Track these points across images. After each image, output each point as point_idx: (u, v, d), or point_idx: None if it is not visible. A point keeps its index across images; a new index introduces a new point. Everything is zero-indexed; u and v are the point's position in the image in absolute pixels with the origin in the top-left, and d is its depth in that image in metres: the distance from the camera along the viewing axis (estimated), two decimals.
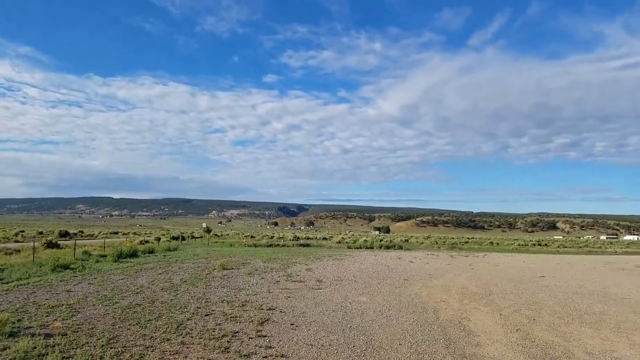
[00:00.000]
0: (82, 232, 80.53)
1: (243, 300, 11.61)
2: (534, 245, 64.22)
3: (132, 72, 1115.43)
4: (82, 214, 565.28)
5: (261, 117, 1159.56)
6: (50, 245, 31.90)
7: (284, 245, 42.87)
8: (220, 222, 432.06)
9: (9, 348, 6.69)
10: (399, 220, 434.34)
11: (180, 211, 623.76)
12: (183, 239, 53.79)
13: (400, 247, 42.88)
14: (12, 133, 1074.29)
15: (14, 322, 8.31)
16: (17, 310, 9.67)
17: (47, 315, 9.22)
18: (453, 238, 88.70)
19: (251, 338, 7.90)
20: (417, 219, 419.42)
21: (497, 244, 65.29)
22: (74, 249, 25.83)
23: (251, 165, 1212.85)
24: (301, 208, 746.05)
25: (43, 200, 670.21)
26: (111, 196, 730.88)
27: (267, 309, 10.50)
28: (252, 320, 9.21)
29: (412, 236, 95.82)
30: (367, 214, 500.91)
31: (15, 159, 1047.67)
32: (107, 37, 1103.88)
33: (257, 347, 7.34)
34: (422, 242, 58.09)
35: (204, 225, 71.39)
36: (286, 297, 12.29)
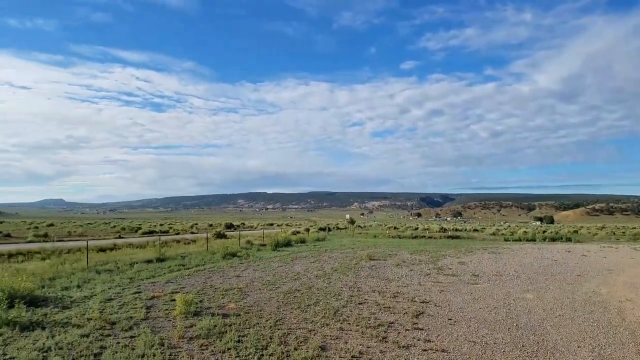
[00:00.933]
0: (243, 224, 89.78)
1: (394, 292, 11.63)
2: None
3: (278, 75, 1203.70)
4: (242, 208, 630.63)
5: (400, 105, 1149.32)
6: (219, 236, 36.33)
7: (430, 237, 41.79)
8: (362, 214, 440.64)
9: (195, 325, 7.78)
10: (564, 209, 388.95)
11: (324, 204, 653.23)
12: (329, 230, 56.21)
13: (569, 239, 38.22)
14: (184, 140, 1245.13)
15: (197, 303, 9.60)
16: (198, 292, 11.19)
17: (222, 298, 10.47)
18: (635, 228, 76.13)
19: (407, 330, 7.86)
20: (588, 206, 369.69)
21: None
22: (239, 239, 28.95)
23: (391, 156, 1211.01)
24: (446, 198, 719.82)
25: (210, 197, 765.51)
26: (266, 191, 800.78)
27: (421, 302, 10.33)
28: (406, 312, 9.17)
29: (582, 227, 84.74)
30: (525, 203, 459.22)
31: (187, 162, 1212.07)
32: (254, 45, 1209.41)
33: (414, 340, 7.27)
34: (596, 233, 50.91)
35: (348, 216, 73.64)
36: (440, 291, 11.93)
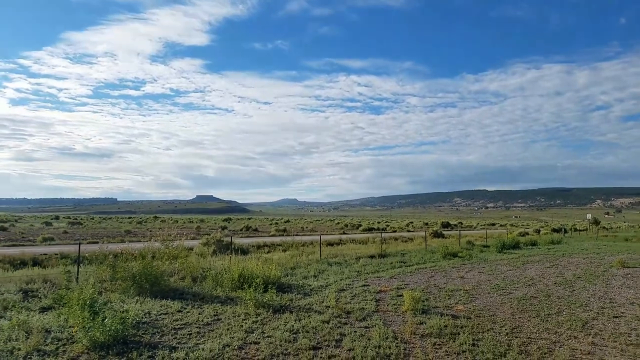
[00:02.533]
0: (461, 223, 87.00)
1: None
2: None
3: (502, 63, 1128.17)
4: (459, 206, 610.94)
5: None
6: (436, 235, 36.02)
7: None
8: (607, 213, 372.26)
9: (424, 323, 7.84)
10: None
11: (557, 201, 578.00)
12: (565, 231, 49.53)
13: None
14: (399, 139, 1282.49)
15: (423, 301, 9.71)
16: (422, 290, 11.29)
17: (448, 298, 10.31)
18: None
19: None
20: None
21: None
22: (459, 238, 28.13)
23: None
24: None
25: (424, 195, 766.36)
26: (486, 189, 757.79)
27: None
28: None
29: None
30: None
31: (401, 161, 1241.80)
32: (478, 35, 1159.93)
33: None
34: None
35: (589, 216, 63.35)
36: None
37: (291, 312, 8.50)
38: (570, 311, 8.95)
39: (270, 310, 8.54)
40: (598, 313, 8.79)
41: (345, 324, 7.76)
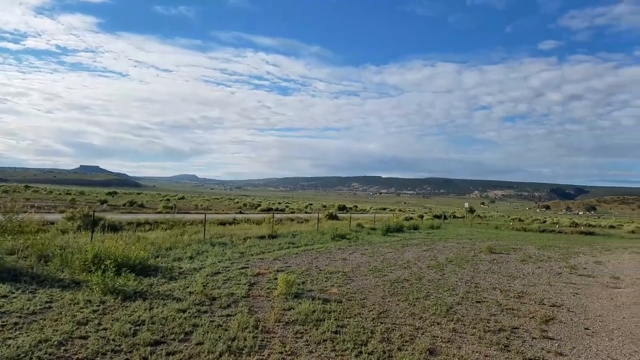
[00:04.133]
0: (356, 206, 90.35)
1: (519, 291, 10.17)
2: None
3: (403, 57, 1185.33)
4: (356, 191, 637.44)
5: (534, 88, 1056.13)
6: (331, 217, 36.59)
7: (559, 232, 37.40)
8: (483, 203, 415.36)
9: (293, 309, 7.40)
10: None
11: (441, 190, 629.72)
12: (445, 218, 53.61)
13: None
14: (305, 122, 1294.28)
15: (299, 284, 9.36)
16: (302, 272, 10.97)
17: (326, 280, 10.10)
18: None
19: (535, 338, 6.63)
20: None
21: None
22: (349, 221, 28.79)
23: (520, 143, 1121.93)
24: (580, 190, 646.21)
25: (326, 179, 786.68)
26: (381, 175, 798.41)
27: (550, 305, 8.82)
28: (533, 317, 7.83)
29: None
30: None
31: (307, 144, 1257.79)
32: (382, 28, 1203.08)
33: (543, 351, 6.06)
34: None
35: (466, 205, 69.53)
36: (573, 294, 10.18)
37: (145, 300, 7.42)
38: (438, 295, 9.20)
39: (120, 297, 7.31)
40: (463, 297, 9.13)
41: (205, 312, 7.01)
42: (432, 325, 7.01)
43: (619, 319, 7.97)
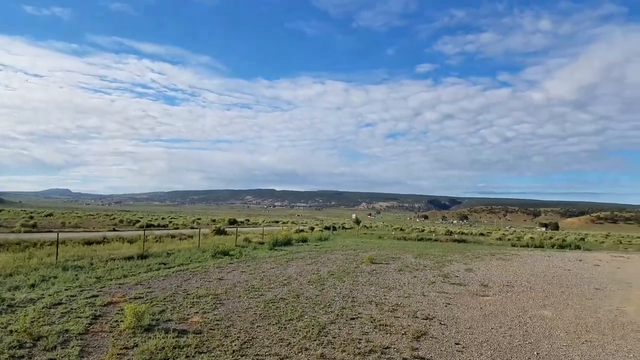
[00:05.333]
0: (248, 220, 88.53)
1: (394, 303, 10.02)
2: None
3: (294, 73, 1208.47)
4: (250, 204, 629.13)
5: (413, 108, 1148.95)
6: (219, 232, 34.81)
7: (436, 240, 40.05)
8: (370, 214, 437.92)
9: (137, 346, 6.18)
10: (569, 216, 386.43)
11: (332, 203, 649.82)
12: (334, 229, 54.64)
13: (577, 247, 36.44)
14: (195, 134, 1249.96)
15: (156, 314, 8.11)
16: (164, 298, 9.62)
17: (190, 307, 8.92)
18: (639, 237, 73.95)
19: (405, 359, 6.26)
20: (593, 214, 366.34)
21: None
22: (235, 236, 27.47)
23: (402, 158, 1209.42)
24: (454, 201, 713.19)
25: (218, 192, 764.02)
26: (274, 188, 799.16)
27: (423, 318, 8.70)
28: (405, 332, 7.55)
29: (587, 234, 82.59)
30: (530, 209, 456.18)
31: (197, 156, 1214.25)
32: (273, 44, 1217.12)
33: None
34: (603, 242, 49.08)
35: (354, 216, 71.98)
36: (445, 304, 10.29)
37: None
38: (313, 314, 8.57)
39: None
40: (338, 315, 8.61)
41: (22, 357, 5.53)
42: (300, 352, 6.29)
43: (487, 330, 8.05)
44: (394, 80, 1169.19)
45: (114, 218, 66.09)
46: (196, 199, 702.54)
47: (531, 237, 45.84)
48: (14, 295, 9.20)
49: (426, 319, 8.64)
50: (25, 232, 30.13)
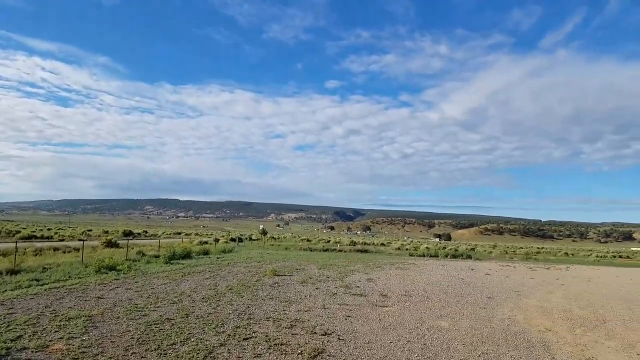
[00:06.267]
0: (146, 232, 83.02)
1: (293, 319, 9.51)
2: (614, 257, 57.70)
3: (201, 80, 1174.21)
4: (150, 214, 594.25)
5: (321, 122, 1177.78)
6: (110, 244, 31.74)
7: (340, 250, 40.69)
8: (278, 225, 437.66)
9: None
10: (460, 228, 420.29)
11: (241, 213, 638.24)
12: (241, 240, 53.17)
13: (469, 257, 39.30)
14: (89, 138, 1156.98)
15: (10, 340, 6.76)
16: (26, 322, 8.15)
17: (56, 331, 7.60)
18: (522, 247, 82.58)
19: None
20: (481, 226, 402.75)
21: (572, 254, 59.59)
22: (127, 249, 25.24)
23: (310, 170, 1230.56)
24: (358, 213, 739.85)
25: (114, 201, 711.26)
26: (178, 198, 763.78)
27: (322, 334, 8.28)
28: (301, 352, 7.03)
29: (477, 245, 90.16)
30: (426, 220, 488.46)
31: (91, 162, 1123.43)
32: (179, 48, 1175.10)
33: None
34: (490, 252, 53.74)
35: (261, 227, 70.88)
36: (345, 317, 10.02)
37: None
38: (201, 336, 7.71)
39: None
40: (230, 335, 7.85)
41: None
42: None
43: (386, 345, 7.84)
44: (303, 93, 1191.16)
45: None
46: (89, 208, 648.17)
47: (427, 247, 48.59)
48: None
49: (325, 335, 8.24)
50: None
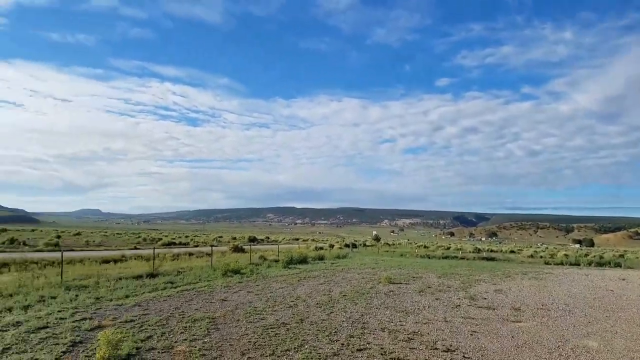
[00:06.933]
0: (268, 238, 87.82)
1: (410, 331, 8.81)
2: None
3: (310, 92, 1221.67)
4: (271, 222, 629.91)
5: (433, 122, 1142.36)
6: (237, 249, 34.10)
7: (462, 258, 38.27)
8: (392, 231, 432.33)
9: None
10: (604, 232, 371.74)
11: (354, 220, 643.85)
12: (355, 246, 53.30)
13: (618, 265, 34.09)
14: (216, 154, 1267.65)
15: (141, 340, 7.22)
16: (157, 322, 8.72)
17: (181, 332, 7.97)
18: None
19: None
20: (631, 230, 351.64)
21: None
22: (250, 253, 26.66)
23: (424, 173, 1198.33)
24: (481, 217, 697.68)
25: (241, 211, 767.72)
26: (295, 206, 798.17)
27: (445, 350, 7.47)
28: None
29: (627, 251, 78.37)
30: (562, 224, 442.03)
31: (219, 176, 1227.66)
32: (288, 63, 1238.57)
33: None
34: None
35: (374, 233, 70.35)
36: (471, 332, 9.00)
37: None
38: (314, 344, 7.47)
39: None
40: (343, 345, 7.48)
41: None
42: None
43: None
44: (412, 95, 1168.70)
45: (139, 236, 66.40)
46: (220, 217, 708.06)
47: (565, 254, 43.35)
48: (0, 317, 8.50)
49: (448, 351, 7.42)
50: (49, 250, 30.09)
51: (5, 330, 7.59)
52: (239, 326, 8.64)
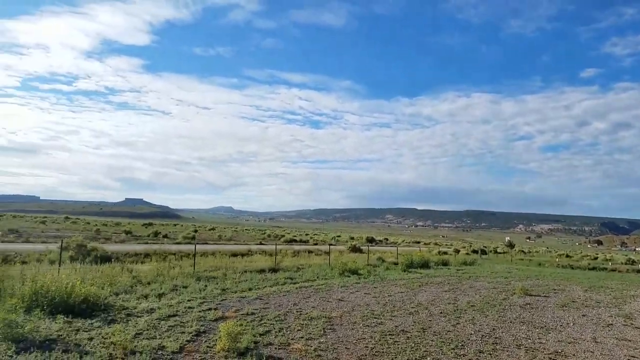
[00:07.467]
0: (387, 239, 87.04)
1: (552, 350, 7.62)
2: None
3: (435, 88, 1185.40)
4: (390, 223, 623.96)
5: (577, 117, 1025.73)
6: (354, 249, 34.25)
7: (613, 270, 33.32)
8: (528, 238, 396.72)
9: None
10: None
11: (483, 224, 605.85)
12: (484, 253, 49.92)
13: None
14: (337, 155, 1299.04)
15: (259, 335, 7.34)
16: (275, 317, 8.86)
17: (298, 330, 7.95)
18: None
19: None
20: None
21: None
22: (368, 254, 26.41)
23: (565, 173, 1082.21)
24: (635, 225, 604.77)
25: (359, 210, 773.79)
26: (415, 207, 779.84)
27: None
28: None
29: None
30: None
31: (339, 176, 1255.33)
32: (412, 60, 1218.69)
33: None
34: None
35: (507, 239, 65.01)
36: (628, 357, 7.46)
37: (44, 351, 5.68)
38: (438, 356, 6.81)
39: (15, 347, 5.71)
40: None
41: None
42: None
43: None
44: (552, 87, 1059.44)
45: (264, 233, 70.92)
46: (338, 216, 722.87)
47: None
48: (137, 304, 9.41)
49: None
50: (186, 243, 33.60)
51: (140, 317, 8.29)
52: (355, 329, 8.35)
